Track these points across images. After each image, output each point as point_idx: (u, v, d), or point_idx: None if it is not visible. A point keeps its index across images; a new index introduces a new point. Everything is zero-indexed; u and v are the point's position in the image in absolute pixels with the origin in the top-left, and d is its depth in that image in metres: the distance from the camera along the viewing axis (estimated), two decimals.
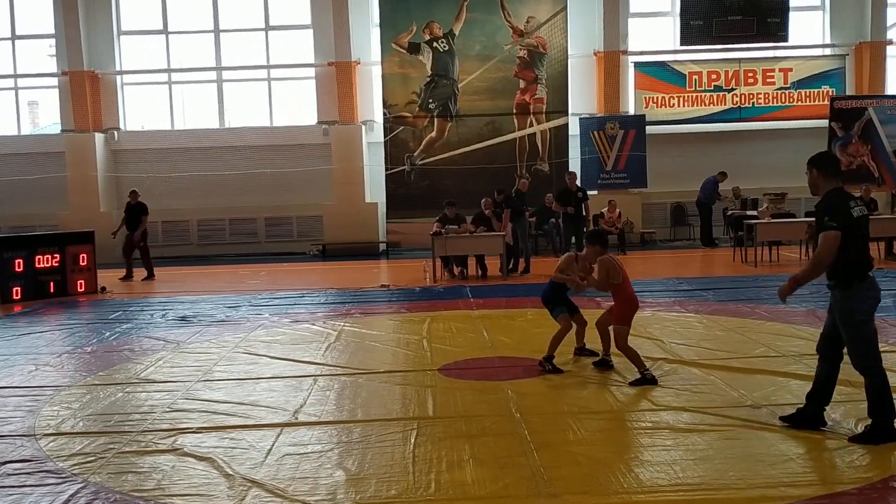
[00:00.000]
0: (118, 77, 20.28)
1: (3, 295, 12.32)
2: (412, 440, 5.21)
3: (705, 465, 4.62)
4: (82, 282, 13.25)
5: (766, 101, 19.81)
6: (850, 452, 4.72)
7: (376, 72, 19.67)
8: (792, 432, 5.09)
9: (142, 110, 20.78)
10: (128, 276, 15.00)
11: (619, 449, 4.99)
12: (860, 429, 5.07)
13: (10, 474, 4.81)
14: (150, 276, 15.22)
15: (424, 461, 4.82)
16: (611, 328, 6.79)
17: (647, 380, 6.34)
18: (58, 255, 13.01)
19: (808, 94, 19.74)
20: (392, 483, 4.51)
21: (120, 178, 20.31)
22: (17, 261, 12.52)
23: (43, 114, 22.54)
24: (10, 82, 20.42)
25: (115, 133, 20.22)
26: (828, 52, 20.14)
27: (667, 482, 4.38)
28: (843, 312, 4.91)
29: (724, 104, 19.86)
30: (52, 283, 12.90)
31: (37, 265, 12.78)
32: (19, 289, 12.50)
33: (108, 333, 9.50)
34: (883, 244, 14.65)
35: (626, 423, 5.63)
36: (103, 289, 13.47)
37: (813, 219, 5.29)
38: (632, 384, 6.34)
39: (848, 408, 5.63)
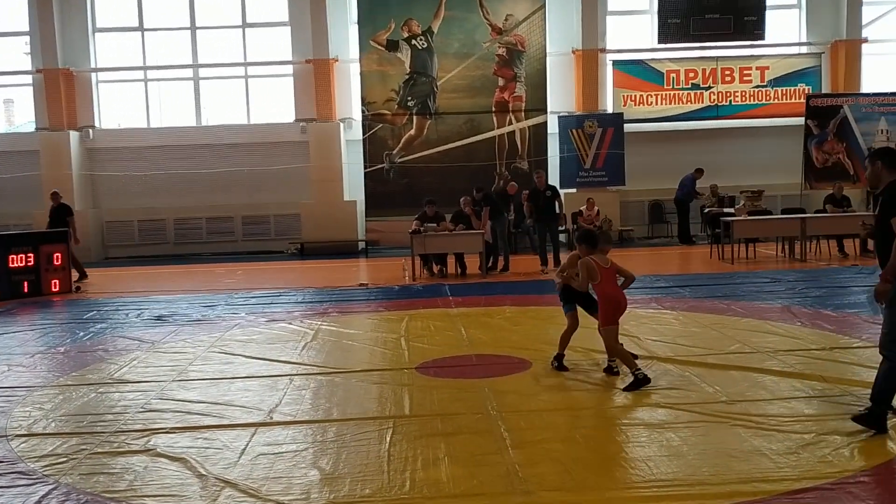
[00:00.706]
0: (93, 74, 20.08)
1: None
2: (388, 439, 5.19)
3: (679, 461, 4.64)
4: (57, 281, 13.11)
5: (743, 98, 19.93)
6: (823, 448, 4.75)
7: (354, 69, 19.60)
8: (765, 429, 5.11)
9: (117, 108, 20.57)
10: (82, 276, 14.51)
11: (594, 446, 4.99)
12: (832, 426, 5.11)
13: None
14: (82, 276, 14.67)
15: (399, 460, 4.80)
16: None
17: (639, 381, 6.15)
18: (32, 255, 12.86)
19: (784, 91, 19.88)
20: (367, 482, 4.49)
21: (95, 176, 20.12)
22: None
23: (18, 112, 22.28)
24: None
25: (91, 131, 20.02)
26: (804, 50, 20.28)
27: (640, 478, 4.39)
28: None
29: (702, 102, 19.96)
30: (26, 283, 12.76)
31: (10, 265, 12.63)
32: None
33: (82, 333, 9.40)
34: (857, 241, 14.78)
35: (602, 420, 5.64)
36: (77, 288, 13.34)
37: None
38: (626, 389, 6.13)
39: (820, 403, 5.67)
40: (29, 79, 20.00)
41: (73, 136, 19.63)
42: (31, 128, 20.36)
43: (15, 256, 12.69)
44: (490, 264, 14.06)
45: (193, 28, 20.07)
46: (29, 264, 12.83)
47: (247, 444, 5.17)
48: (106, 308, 11.37)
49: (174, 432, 5.49)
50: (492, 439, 5.13)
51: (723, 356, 7.14)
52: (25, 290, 12.71)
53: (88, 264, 15.34)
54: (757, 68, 19.94)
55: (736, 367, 6.72)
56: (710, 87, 19.91)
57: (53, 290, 13.02)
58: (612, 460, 4.69)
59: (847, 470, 4.40)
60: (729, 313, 9.29)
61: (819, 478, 4.30)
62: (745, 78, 19.91)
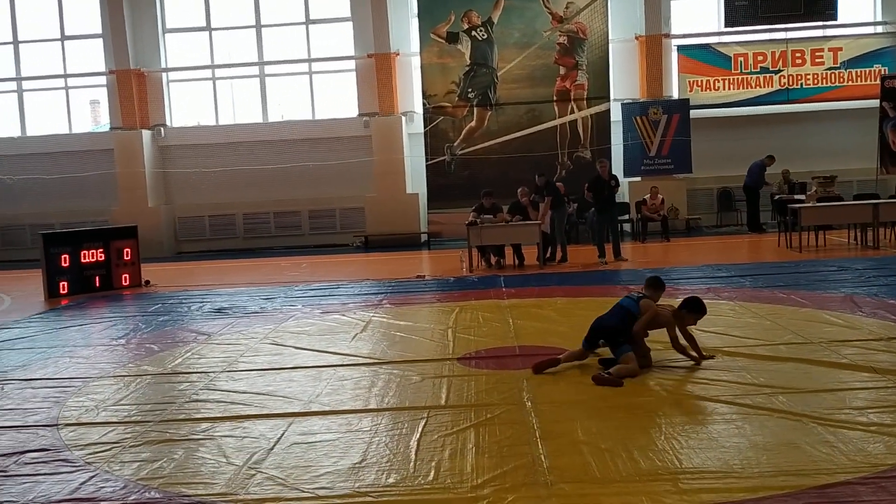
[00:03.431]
0: (164, 74, 20.68)
1: (50, 290, 12.69)
2: (419, 429, 5.23)
3: (709, 453, 4.55)
4: (127, 275, 13.57)
5: (815, 81, 19.27)
6: (860, 441, 4.59)
7: (415, 62, 19.69)
8: (804, 421, 4.97)
9: (187, 106, 21.15)
10: None
11: (624, 438, 4.92)
12: (875, 419, 4.94)
13: (27, 463, 4.97)
14: None
15: (428, 450, 4.84)
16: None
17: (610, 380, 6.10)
18: (102, 250, 13.34)
19: (858, 73, 19.15)
20: (392, 471, 4.54)
21: (167, 173, 20.73)
22: (63, 256, 12.88)
23: (104, 112, 23.04)
24: (60, 82, 20.97)
25: (162, 129, 20.63)
26: (879, 29, 19.49)
27: (666, 471, 4.33)
28: None
29: (771, 86, 19.38)
30: (97, 278, 13.24)
31: (82, 260, 13.12)
32: (66, 283, 12.85)
33: (144, 326, 9.72)
34: None
35: (636, 411, 5.54)
36: (147, 282, 13.78)
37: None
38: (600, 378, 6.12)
39: (867, 395, 5.49)
40: (103, 80, 20.69)
41: (146, 134, 20.27)
42: (107, 127, 21.09)
43: (87, 252, 13.17)
44: (548, 255, 13.97)
45: (259, 26, 20.46)
46: (100, 259, 13.30)
47: (282, 434, 5.27)
48: (171, 301, 11.72)
49: (215, 421, 5.64)
50: (522, 430, 5.12)
51: (773, 347, 6.96)
52: (97, 284, 13.19)
53: (161, 259, 15.83)
54: (829, 50, 19.25)
55: (784, 359, 6.54)
56: (779, 71, 19.32)
57: (124, 283, 13.48)
58: (640, 452, 4.62)
59: (883, 465, 4.24)
60: (788, 303, 9.03)
61: (852, 472, 4.16)
62: (817, 60, 19.25)
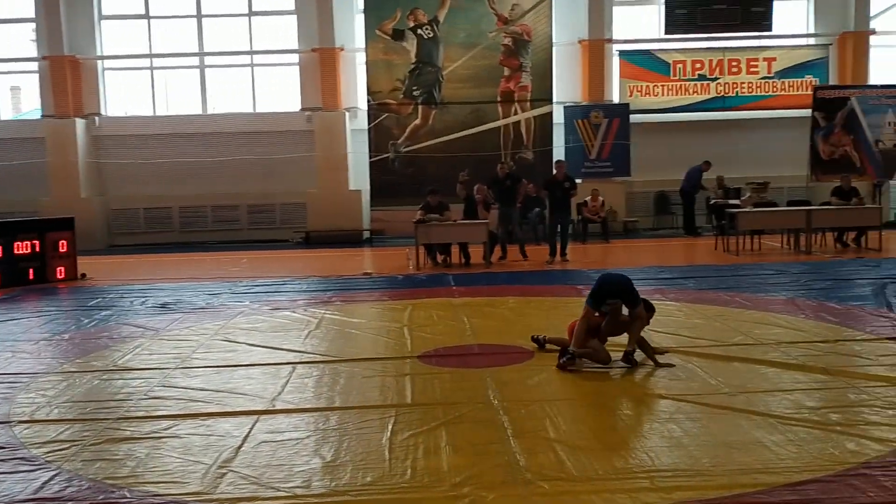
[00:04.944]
0: (99, 62, 20.07)
1: None
2: (389, 427, 5.20)
3: (679, 451, 4.65)
4: (62, 268, 13.13)
5: (750, 90, 19.84)
6: (825, 440, 4.74)
7: (360, 58, 19.56)
8: (767, 420, 5.11)
9: (123, 96, 20.58)
10: None
11: (595, 436, 4.99)
12: (834, 418, 5.11)
13: None
14: None
15: (401, 448, 4.82)
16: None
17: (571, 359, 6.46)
18: (37, 242, 12.88)
19: (791, 83, 19.79)
20: (368, 470, 4.51)
21: (101, 164, 20.14)
22: None
23: (25, 99, 22.28)
24: None
25: (97, 119, 20.03)
26: (811, 41, 20.18)
27: (640, 468, 4.40)
28: None
29: (708, 93, 19.87)
30: (31, 270, 12.76)
31: (16, 251, 12.65)
32: None
33: (86, 320, 9.43)
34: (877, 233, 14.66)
35: (603, 409, 5.64)
36: (83, 275, 13.37)
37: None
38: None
39: (823, 394, 5.67)
40: (35, 66, 19.98)
41: (79, 123, 19.64)
42: (38, 115, 20.37)
43: (20, 243, 12.70)
44: (502, 254, 14.23)
45: (199, 16, 20.01)
46: (34, 251, 12.84)
47: (249, 432, 5.18)
48: (111, 295, 11.39)
49: (176, 419, 5.51)
50: (493, 428, 5.14)
51: (726, 347, 7.14)
52: (31, 276, 12.73)
53: (95, 252, 15.37)
54: (764, 59, 19.84)
55: (739, 359, 6.71)
56: (716, 79, 19.82)
57: (59, 276, 13.05)
58: (612, 450, 4.70)
59: (849, 462, 4.39)
60: (733, 305, 9.27)
61: (821, 470, 4.29)
62: (752, 69, 19.82)
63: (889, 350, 6.89)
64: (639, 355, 6.60)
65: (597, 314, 6.61)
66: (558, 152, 19.11)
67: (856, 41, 19.68)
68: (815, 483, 4.13)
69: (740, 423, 5.10)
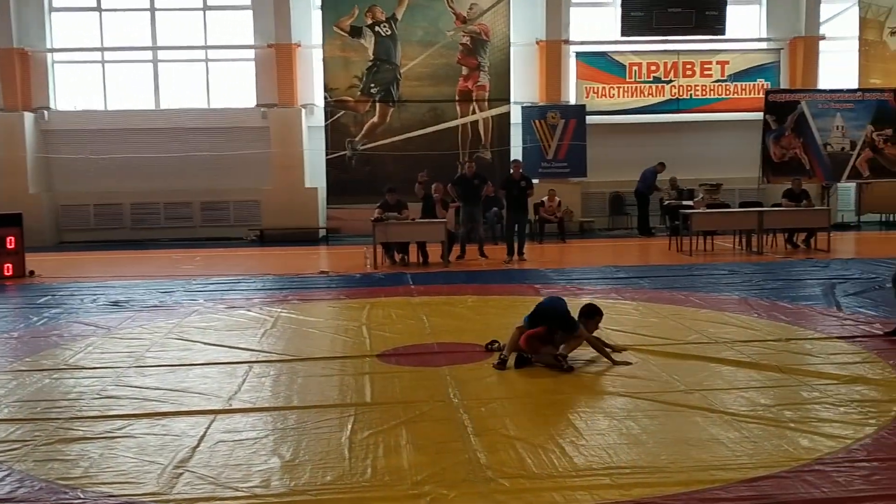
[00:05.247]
0: (49, 55, 19.63)
1: None
2: (349, 426, 5.16)
3: (638, 448, 4.69)
4: (10, 265, 12.82)
5: (704, 92, 20.14)
6: (779, 437, 4.82)
7: (317, 55, 19.42)
8: (722, 417, 5.18)
9: (74, 90, 20.13)
10: None
11: (555, 434, 5.01)
12: (788, 415, 5.20)
13: None
14: None
15: (361, 447, 4.78)
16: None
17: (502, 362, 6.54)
18: None
19: (743, 86, 20.14)
20: (328, 469, 4.46)
21: (50, 159, 19.70)
22: None
23: None
24: None
25: (46, 113, 19.59)
26: (763, 45, 20.55)
27: (600, 466, 4.43)
28: None
29: (663, 95, 20.13)
30: None
31: None
32: None
33: (35, 318, 9.22)
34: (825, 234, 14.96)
35: (562, 408, 5.66)
36: (32, 272, 13.07)
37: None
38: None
39: (776, 392, 5.77)
40: None
41: (28, 117, 19.19)
42: None
43: None
44: (461, 254, 14.30)
45: (153, 9, 19.71)
46: None
47: (205, 431, 5.11)
48: (60, 293, 11.14)
49: (131, 419, 5.41)
50: (453, 427, 5.14)
51: (681, 346, 7.22)
52: None
53: (43, 249, 15.04)
54: (717, 63, 20.16)
55: (694, 357, 6.80)
56: (671, 81, 20.08)
57: (6, 274, 12.73)
58: (572, 448, 4.71)
59: (803, 459, 4.47)
60: (687, 304, 9.40)
61: (775, 466, 4.36)
62: (706, 72, 20.12)
63: (839, 349, 7.04)
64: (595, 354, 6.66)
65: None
66: (516, 152, 19.19)
67: (806, 46, 20.11)
68: (770, 479, 4.20)
69: (697, 421, 5.17)
